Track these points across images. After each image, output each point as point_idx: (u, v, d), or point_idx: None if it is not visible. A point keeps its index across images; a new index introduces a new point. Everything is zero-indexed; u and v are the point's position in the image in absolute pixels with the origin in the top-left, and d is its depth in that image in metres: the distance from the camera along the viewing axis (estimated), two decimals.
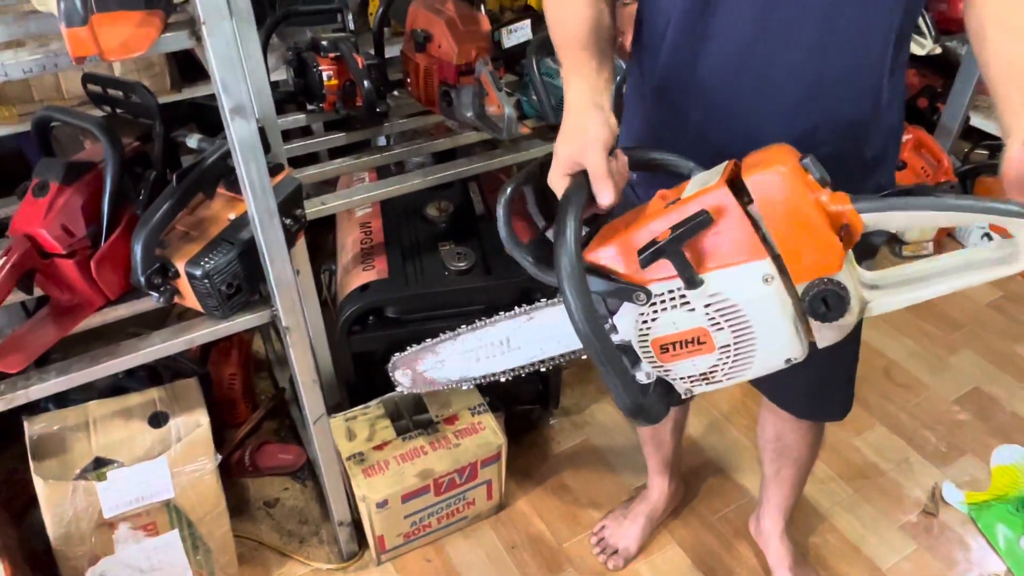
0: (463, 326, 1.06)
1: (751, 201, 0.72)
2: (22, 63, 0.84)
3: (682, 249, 0.71)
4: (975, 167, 2.50)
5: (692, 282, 0.73)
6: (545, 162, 0.84)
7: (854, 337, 1.18)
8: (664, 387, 0.81)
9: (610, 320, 0.78)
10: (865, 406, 1.94)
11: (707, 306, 0.74)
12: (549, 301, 0.95)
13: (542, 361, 1.00)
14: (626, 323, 0.78)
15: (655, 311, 0.75)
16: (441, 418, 1.58)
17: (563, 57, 0.91)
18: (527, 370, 1.02)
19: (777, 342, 0.76)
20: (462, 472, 1.52)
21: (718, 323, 0.74)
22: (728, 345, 0.75)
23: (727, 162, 0.75)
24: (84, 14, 0.76)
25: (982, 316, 2.24)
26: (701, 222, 0.71)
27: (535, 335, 0.98)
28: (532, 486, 1.76)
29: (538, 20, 1.79)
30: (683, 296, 0.74)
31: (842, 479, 1.77)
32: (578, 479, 1.78)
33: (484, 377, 1.07)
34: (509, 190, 0.84)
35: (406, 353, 1.17)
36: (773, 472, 1.41)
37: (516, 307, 0.98)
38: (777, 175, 0.71)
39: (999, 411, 1.94)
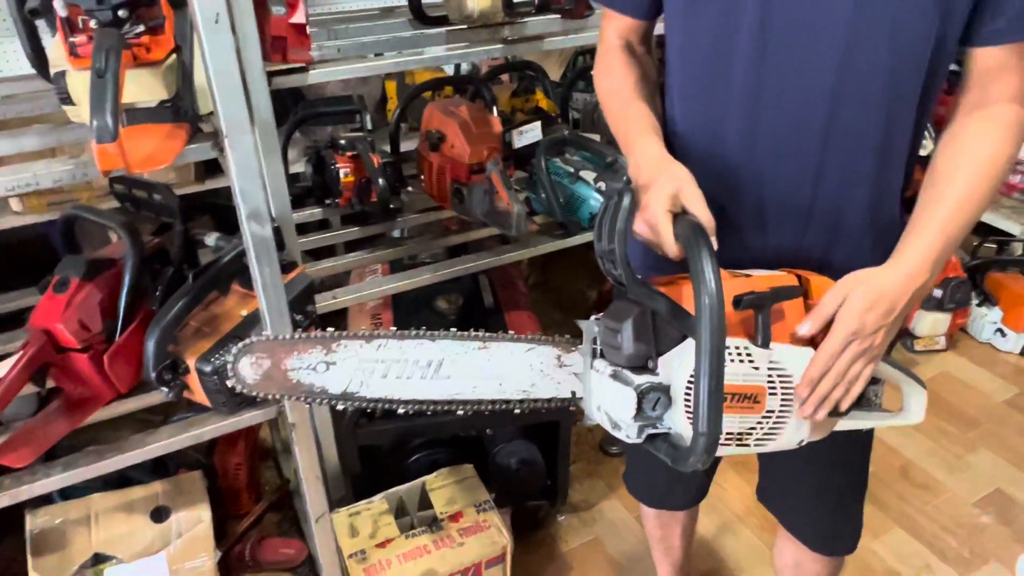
0: (391, 328, 0.90)
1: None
2: (53, 173, 0.89)
3: (770, 309, 0.80)
4: (984, 262, 2.51)
5: (766, 340, 0.80)
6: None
7: (864, 464, 1.17)
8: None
9: (655, 360, 0.80)
10: (883, 507, 1.89)
11: (769, 369, 0.81)
12: (515, 336, 0.90)
13: (465, 402, 0.90)
14: (677, 364, 0.79)
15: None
16: (446, 515, 1.55)
17: (624, 125, 0.96)
18: (441, 408, 0.90)
19: (804, 421, 0.85)
20: (466, 573, 1.48)
21: (775, 387, 0.82)
22: (772, 411, 0.83)
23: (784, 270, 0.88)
24: (114, 132, 0.80)
25: (999, 414, 2.20)
26: (794, 289, 0.83)
27: (477, 369, 0.89)
28: None
29: (548, 122, 1.86)
30: (749, 354, 0.80)
31: None
32: None
33: (382, 401, 0.89)
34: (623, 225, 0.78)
35: (274, 338, 0.89)
36: None
37: (472, 329, 0.90)
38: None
39: (1022, 514, 1.87)
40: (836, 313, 0.82)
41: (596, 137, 1.86)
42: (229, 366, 0.88)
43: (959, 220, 0.83)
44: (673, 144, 0.99)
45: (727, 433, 0.81)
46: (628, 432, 0.81)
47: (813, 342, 0.85)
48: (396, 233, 1.98)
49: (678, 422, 0.79)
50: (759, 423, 0.83)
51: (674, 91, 1.00)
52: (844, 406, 0.85)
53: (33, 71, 1.11)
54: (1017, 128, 0.83)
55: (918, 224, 0.84)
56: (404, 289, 1.59)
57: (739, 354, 0.80)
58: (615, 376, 0.82)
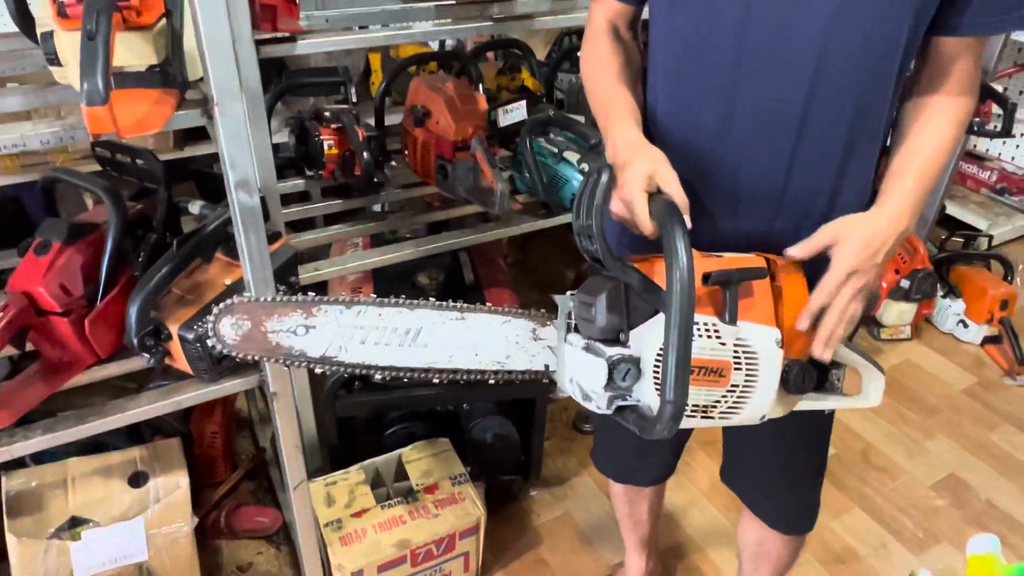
0: (371, 296, 0.91)
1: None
2: (40, 134, 0.88)
3: (738, 287, 0.83)
4: (950, 255, 2.58)
5: (733, 317, 0.83)
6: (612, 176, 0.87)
7: (823, 447, 1.21)
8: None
9: (626, 332, 0.83)
10: (843, 488, 1.96)
11: (735, 345, 0.84)
12: (492, 308, 0.92)
13: (441, 371, 0.91)
14: (648, 337, 0.82)
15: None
16: (421, 487, 1.58)
17: (605, 108, 0.99)
18: (417, 376, 0.91)
19: (766, 396, 0.88)
20: (440, 543, 1.51)
21: (739, 362, 0.85)
22: (737, 385, 0.86)
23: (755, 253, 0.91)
24: (105, 95, 0.80)
25: (958, 402, 2.28)
26: (760, 270, 0.86)
27: (454, 338, 0.91)
28: (510, 559, 1.75)
29: (533, 101, 1.87)
30: (716, 330, 0.83)
31: (819, 563, 1.77)
32: (556, 554, 1.77)
33: (360, 366, 0.90)
34: (600, 199, 0.83)
35: (256, 299, 0.89)
36: (751, 570, 1.41)
37: (450, 300, 0.91)
38: (800, 271, 0.90)
39: (974, 499, 1.96)
40: (831, 250, 0.88)
41: (581, 118, 1.87)
42: (210, 326, 0.88)
43: (932, 170, 0.92)
44: (652, 129, 1.02)
45: (693, 405, 0.85)
46: (598, 403, 0.84)
47: (778, 322, 0.88)
48: (377, 208, 1.98)
49: (647, 393, 0.82)
50: (724, 396, 0.86)
51: (655, 77, 1.02)
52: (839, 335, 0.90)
53: (12, 30, 1.09)
54: (970, 109, 0.94)
55: (897, 174, 0.92)
56: (386, 263, 1.60)
57: (707, 330, 0.83)
58: (588, 348, 0.85)
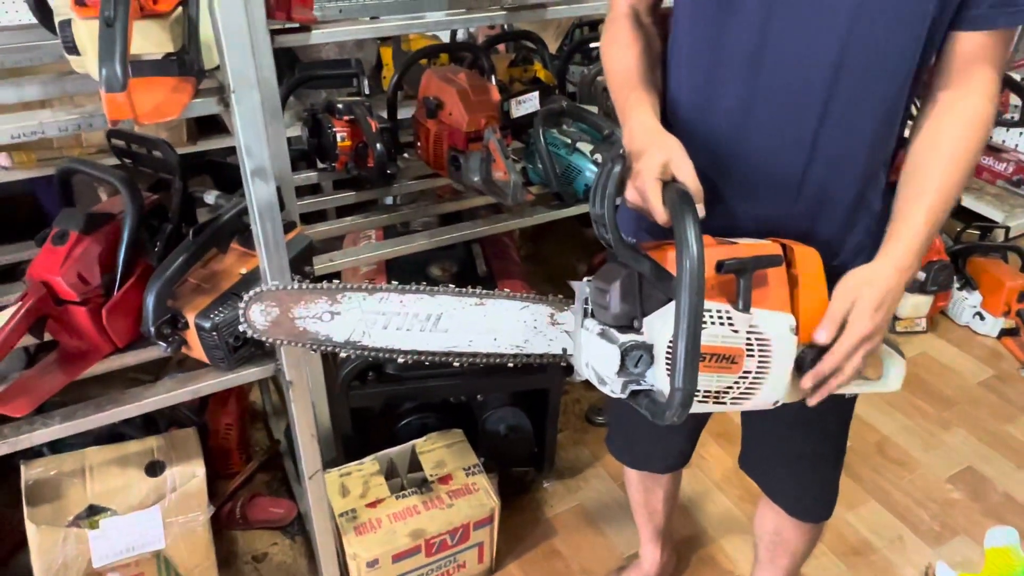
0: (393, 283, 0.94)
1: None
2: (59, 122, 0.88)
3: (752, 274, 0.83)
4: (966, 247, 2.56)
5: (747, 305, 0.84)
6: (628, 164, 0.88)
7: (843, 433, 1.20)
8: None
9: (640, 320, 0.84)
10: (859, 480, 1.95)
11: (748, 333, 0.84)
12: (510, 294, 0.94)
13: (461, 355, 0.93)
14: (660, 324, 0.83)
15: (703, 322, 0.80)
16: (435, 477, 1.58)
17: (624, 93, 0.99)
18: (438, 359, 0.93)
19: (779, 382, 0.88)
20: (454, 533, 1.52)
21: (752, 349, 0.85)
22: (749, 372, 0.86)
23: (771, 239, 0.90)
24: (124, 81, 0.80)
25: (974, 395, 2.26)
26: (775, 258, 0.86)
27: (474, 323, 0.92)
28: (524, 550, 1.75)
29: (546, 92, 1.87)
30: (729, 317, 0.84)
31: (835, 555, 1.76)
32: (570, 544, 1.77)
33: (382, 351, 0.92)
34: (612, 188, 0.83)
35: (283, 287, 0.92)
36: (768, 559, 1.41)
37: (469, 287, 0.94)
38: (817, 256, 0.89)
39: (992, 491, 1.94)
40: (848, 315, 0.86)
41: (593, 109, 1.86)
42: (241, 313, 0.91)
43: (938, 212, 0.89)
44: (671, 113, 1.02)
45: (705, 391, 0.85)
46: (612, 387, 0.85)
47: (793, 308, 0.88)
48: (390, 200, 1.98)
49: (659, 379, 0.83)
50: (736, 383, 0.86)
51: (676, 60, 1.02)
52: (835, 389, 0.90)
53: (27, 22, 1.09)
54: (988, 122, 0.89)
55: (903, 218, 0.89)
56: (400, 254, 1.60)
57: (719, 317, 0.83)
58: (602, 334, 0.86)
